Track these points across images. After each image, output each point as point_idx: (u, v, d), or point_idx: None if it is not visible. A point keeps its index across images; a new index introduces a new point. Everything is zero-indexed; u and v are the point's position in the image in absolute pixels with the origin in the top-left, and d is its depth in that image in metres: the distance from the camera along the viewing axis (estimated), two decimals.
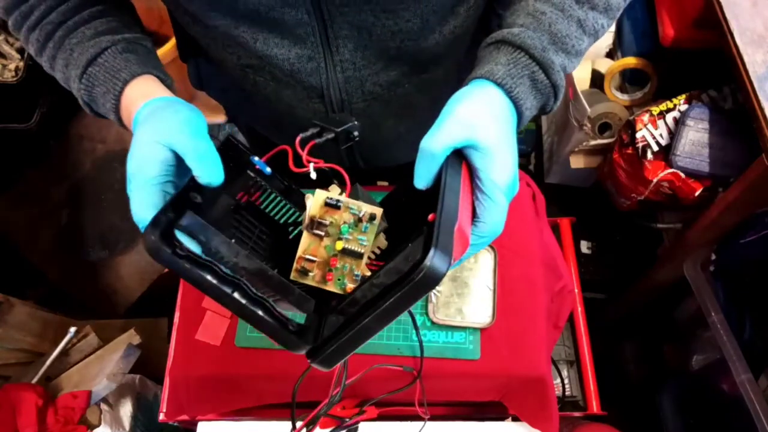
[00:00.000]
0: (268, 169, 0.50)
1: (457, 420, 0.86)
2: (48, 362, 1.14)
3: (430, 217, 0.38)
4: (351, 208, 0.45)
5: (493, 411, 0.87)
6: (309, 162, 0.47)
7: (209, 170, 0.44)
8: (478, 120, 0.45)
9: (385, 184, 0.98)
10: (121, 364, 1.11)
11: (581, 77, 1.49)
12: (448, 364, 0.77)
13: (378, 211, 0.45)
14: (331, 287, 0.46)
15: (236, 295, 0.40)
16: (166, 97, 0.50)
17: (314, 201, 0.45)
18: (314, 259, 0.45)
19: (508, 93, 0.48)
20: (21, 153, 1.60)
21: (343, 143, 0.52)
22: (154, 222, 0.40)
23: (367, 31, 0.59)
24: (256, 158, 0.50)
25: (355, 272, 0.46)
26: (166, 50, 1.52)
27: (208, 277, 0.39)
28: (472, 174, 0.46)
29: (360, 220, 0.45)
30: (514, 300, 0.80)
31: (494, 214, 0.45)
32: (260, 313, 0.40)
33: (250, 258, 0.43)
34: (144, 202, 0.43)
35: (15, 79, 1.37)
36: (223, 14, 0.57)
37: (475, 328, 0.78)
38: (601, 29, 0.54)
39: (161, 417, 0.85)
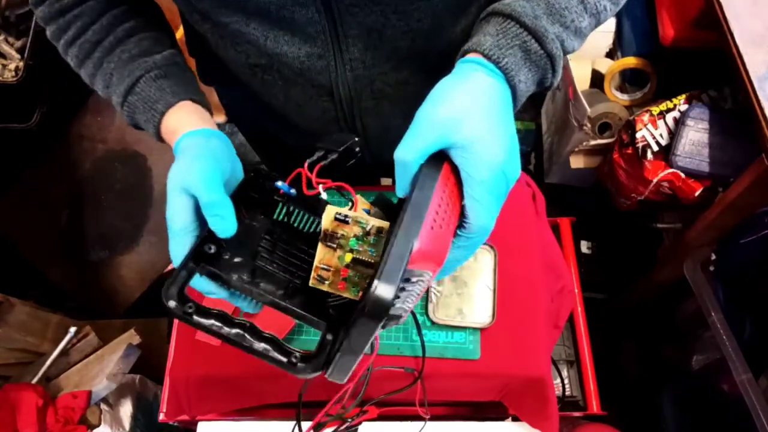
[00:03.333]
0: (293, 191, 0.54)
1: (457, 420, 0.86)
2: (48, 362, 1.14)
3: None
4: (360, 222, 0.47)
5: (493, 411, 0.87)
6: (318, 184, 0.52)
7: (220, 225, 0.49)
8: (455, 117, 0.42)
9: (389, 182, 0.99)
10: (121, 364, 1.11)
11: (581, 77, 1.49)
12: (448, 364, 0.77)
13: (385, 224, 0.47)
14: (346, 294, 0.49)
15: (246, 335, 0.47)
16: (198, 131, 0.55)
17: (325, 216, 0.48)
18: (329, 268, 0.48)
19: (497, 64, 0.45)
20: (21, 153, 1.60)
21: (347, 161, 0.54)
22: (172, 281, 0.48)
23: (377, 31, 0.59)
24: (280, 183, 0.54)
25: (368, 280, 0.48)
26: None
27: (218, 325, 0.47)
28: (457, 172, 0.44)
29: (368, 233, 0.47)
30: (514, 300, 0.80)
31: (481, 214, 0.44)
32: (268, 349, 0.46)
33: (263, 294, 0.50)
34: (179, 251, 0.50)
35: (15, 79, 1.37)
36: (233, 11, 0.58)
37: (475, 328, 0.78)
38: (603, 11, 0.51)
39: (161, 417, 0.85)
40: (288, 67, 0.64)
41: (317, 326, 0.50)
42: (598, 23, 0.52)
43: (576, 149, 1.53)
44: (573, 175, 1.64)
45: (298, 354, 0.46)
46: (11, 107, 1.43)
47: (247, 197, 0.54)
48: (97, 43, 0.59)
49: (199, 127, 0.55)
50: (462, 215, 0.45)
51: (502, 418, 0.87)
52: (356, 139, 0.54)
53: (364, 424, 0.79)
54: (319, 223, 0.55)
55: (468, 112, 0.43)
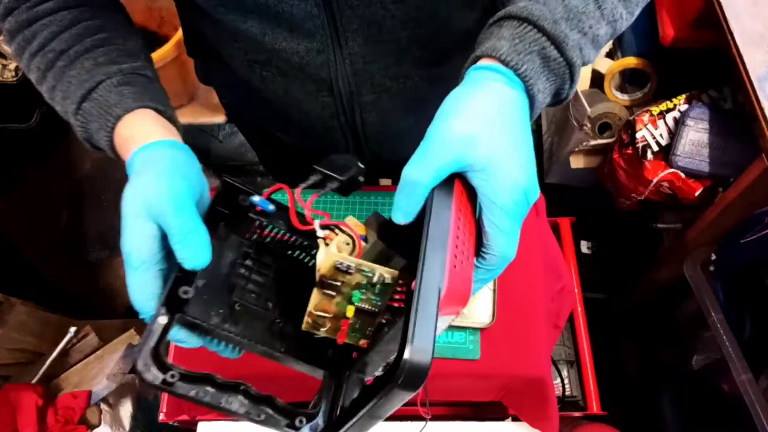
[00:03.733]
0: (271, 207, 0.47)
1: (457, 420, 0.86)
2: (48, 362, 1.14)
3: (413, 285, 0.35)
4: (364, 271, 0.41)
5: (493, 411, 0.87)
6: (314, 217, 0.44)
7: (191, 254, 0.41)
8: (472, 134, 0.38)
9: (389, 182, 0.98)
10: (121, 364, 1.11)
11: (581, 77, 1.49)
12: (448, 364, 0.77)
13: (392, 273, 0.42)
14: (347, 340, 0.44)
15: (240, 398, 0.40)
16: (161, 142, 0.47)
17: (324, 262, 0.41)
18: (326, 315, 0.43)
19: (515, 72, 0.41)
20: (21, 153, 1.60)
21: (348, 191, 0.47)
22: (144, 341, 0.39)
23: (377, 24, 0.58)
24: (257, 198, 0.46)
25: (370, 328, 0.43)
26: (166, 50, 1.52)
27: (206, 390, 0.40)
28: (473, 194, 0.40)
29: (373, 283, 0.42)
30: (514, 300, 0.80)
31: (503, 244, 0.39)
32: (269, 411, 0.40)
33: (251, 344, 0.43)
34: (142, 291, 0.42)
35: (15, 79, 1.38)
36: (231, 8, 0.57)
37: (475, 328, 0.78)
38: (619, 19, 0.47)
39: (161, 417, 0.85)
40: (287, 63, 0.63)
41: (315, 374, 0.44)
42: (614, 33, 0.49)
43: (576, 149, 1.53)
44: (573, 175, 1.64)
45: (303, 418, 0.40)
46: (11, 107, 1.44)
47: (215, 214, 0.45)
48: (62, 53, 0.52)
49: (161, 138, 0.47)
50: (480, 243, 0.40)
51: (502, 418, 0.87)
52: (361, 165, 0.48)
53: None
54: (302, 242, 0.49)
55: (486, 129, 0.38)
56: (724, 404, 1.19)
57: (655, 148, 1.23)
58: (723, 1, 1.03)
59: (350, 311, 0.42)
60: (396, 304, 0.43)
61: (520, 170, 0.39)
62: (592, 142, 1.46)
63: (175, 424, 0.89)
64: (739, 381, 1.05)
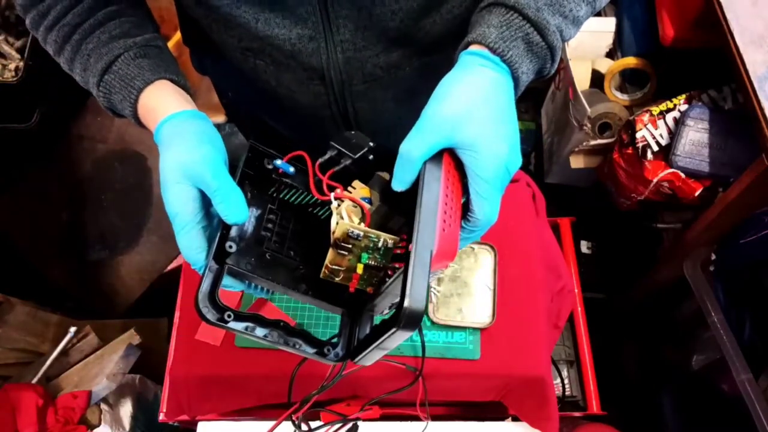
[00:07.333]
0: (291, 169, 0.54)
1: (457, 420, 0.86)
2: (48, 362, 1.14)
3: (411, 247, 0.43)
4: (370, 237, 0.50)
5: (493, 411, 0.87)
6: (329, 189, 0.53)
7: (233, 212, 0.48)
8: (461, 117, 0.44)
9: (386, 177, 0.98)
10: (121, 364, 1.11)
11: (581, 77, 1.49)
12: (449, 364, 0.77)
13: (394, 239, 0.50)
14: (356, 286, 0.53)
15: (279, 333, 0.50)
16: (184, 113, 0.53)
17: (337, 230, 0.49)
18: (340, 268, 0.51)
19: (502, 58, 0.47)
20: (21, 153, 1.60)
21: (360, 168, 0.54)
22: (203, 291, 0.47)
23: (366, 10, 0.59)
24: (279, 161, 0.54)
25: (375, 278, 0.53)
26: None
27: (252, 326, 0.49)
28: (461, 164, 0.47)
29: (378, 247, 0.50)
30: (514, 300, 0.80)
31: (487, 209, 0.46)
32: (301, 343, 0.51)
33: (286, 288, 0.53)
34: (191, 246, 0.49)
35: (15, 79, 1.37)
36: None
37: (475, 328, 0.78)
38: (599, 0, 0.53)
39: (161, 417, 0.86)
40: (279, 50, 0.64)
41: (334, 311, 0.54)
42: (593, 11, 0.54)
43: (576, 149, 1.52)
44: (573, 175, 1.64)
45: (329, 347, 0.52)
46: (11, 107, 1.43)
47: (243, 175, 0.53)
48: (77, 26, 0.58)
49: (181, 109, 0.53)
50: (466, 208, 0.47)
51: (502, 418, 0.87)
52: (371, 144, 0.54)
53: (366, 424, 0.80)
54: (316, 200, 0.56)
55: (474, 111, 0.45)
56: (724, 404, 1.19)
57: (655, 148, 1.23)
58: (723, 1, 1.03)
59: (360, 269, 0.51)
60: (397, 264, 0.52)
61: (503, 146, 0.45)
62: (592, 142, 1.46)
63: (175, 424, 0.89)
64: (739, 381, 1.04)
